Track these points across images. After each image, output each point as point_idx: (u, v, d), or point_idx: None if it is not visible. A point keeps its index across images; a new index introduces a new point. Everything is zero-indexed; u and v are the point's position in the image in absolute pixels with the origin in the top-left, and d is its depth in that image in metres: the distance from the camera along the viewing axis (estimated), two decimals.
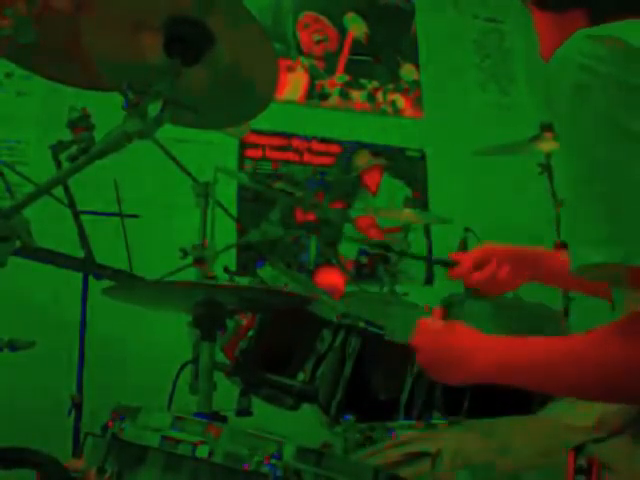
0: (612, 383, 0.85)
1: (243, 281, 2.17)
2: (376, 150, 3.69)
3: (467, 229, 2.78)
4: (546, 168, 2.72)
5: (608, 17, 0.94)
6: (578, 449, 0.87)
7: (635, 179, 0.81)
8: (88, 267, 2.22)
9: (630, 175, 0.82)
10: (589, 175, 0.85)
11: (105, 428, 0.98)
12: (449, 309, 1.89)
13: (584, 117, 0.86)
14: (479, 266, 1.47)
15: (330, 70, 3.73)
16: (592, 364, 0.88)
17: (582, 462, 0.86)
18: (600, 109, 0.85)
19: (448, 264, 1.50)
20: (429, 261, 3.63)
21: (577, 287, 1.52)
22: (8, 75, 3.10)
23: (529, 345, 0.99)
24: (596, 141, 0.85)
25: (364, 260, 3.52)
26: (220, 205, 2.09)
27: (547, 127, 2.62)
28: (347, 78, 3.75)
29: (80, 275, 2.34)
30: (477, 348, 1.05)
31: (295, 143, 3.55)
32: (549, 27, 1.13)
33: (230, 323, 1.79)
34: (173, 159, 2.09)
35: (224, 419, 1.56)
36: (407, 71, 3.88)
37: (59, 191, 2.12)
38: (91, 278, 2.30)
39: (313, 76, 3.69)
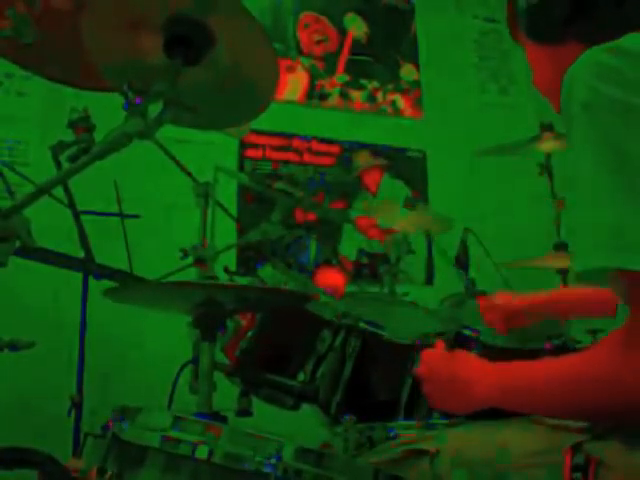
0: (611, 400, 0.86)
1: (243, 281, 2.17)
2: (376, 150, 3.69)
3: (467, 229, 2.78)
4: (546, 168, 2.71)
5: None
6: (575, 447, 0.87)
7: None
8: (88, 267, 2.22)
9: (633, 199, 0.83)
10: (592, 196, 0.87)
11: (105, 428, 0.98)
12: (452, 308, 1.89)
13: (588, 139, 0.88)
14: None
15: (330, 70, 3.73)
16: (590, 382, 0.88)
17: (579, 460, 0.86)
18: (603, 132, 0.86)
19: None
20: (429, 261, 3.62)
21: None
22: (8, 75, 3.10)
23: (529, 369, 1.01)
24: (598, 165, 0.86)
25: (364, 260, 3.52)
26: (220, 205, 2.09)
27: (547, 127, 2.62)
28: (347, 78, 3.75)
29: (80, 275, 2.34)
30: (479, 378, 1.07)
31: (295, 143, 3.55)
32: (544, 60, 1.14)
33: (230, 323, 1.79)
34: (173, 159, 2.09)
35: (224, 419, 1.56)
36: (407, 71, 3.88)
37: (59, 191, 2.12)
38: (91, 278, 2.30)
39: (313, 76, 3.69)
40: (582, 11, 1.06)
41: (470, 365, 1.11)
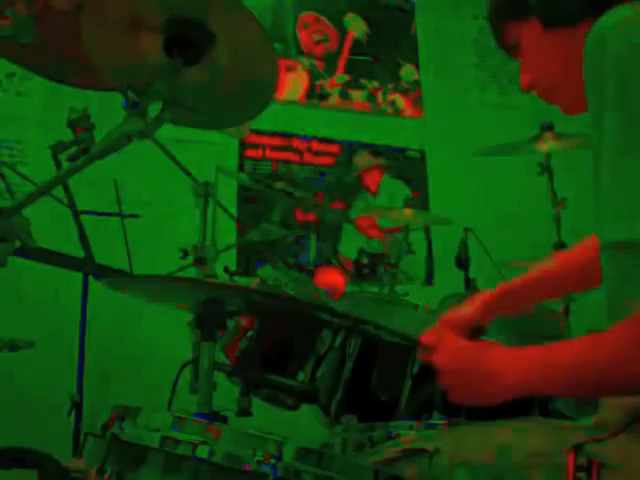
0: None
1: (243, 281, 2.17)
2: (376, 150, 3.69)
3: (467, 229, 2.78)
4: (546, 168, 2.71)
5: None
6: (578, 449, 0.87)
7: None
8: (88, 267, 2.22)
9: None
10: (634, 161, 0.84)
11: (105, 428, 0.98)
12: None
13: (626, 96, 0.84)
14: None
15: (330, 70, 3.73)
16: (622, 358, 0.85)
17: (582, 461, 0.86)
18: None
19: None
20: (429, 261, 3.62)
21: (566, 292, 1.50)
22: (8, 75, 3.10)
23: (560, 347, 0.96)
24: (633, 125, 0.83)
25: (364, 260, 3.52)
26: (220, 205, 2.09)
27: (547, 127, 2.61)
28: (347, 78, 3.75)
29: (80, 275, 2.34)
30: (506, 362, 1.00)
31: (295, 143, 3.55)
32: (552, 50, 1.07)
33: (230, 323, 1.79)
34: (173, 159, 2.09)
35: (224, 419, 1.56)
36: (407, 71, 3.88)
37: (59, 191, 2.13)
38: (91, 278, 2.30)
39: (313, 76, 3.69)
40: None
41: (494, 351, 1.03)
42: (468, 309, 1.31)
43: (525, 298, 1.38)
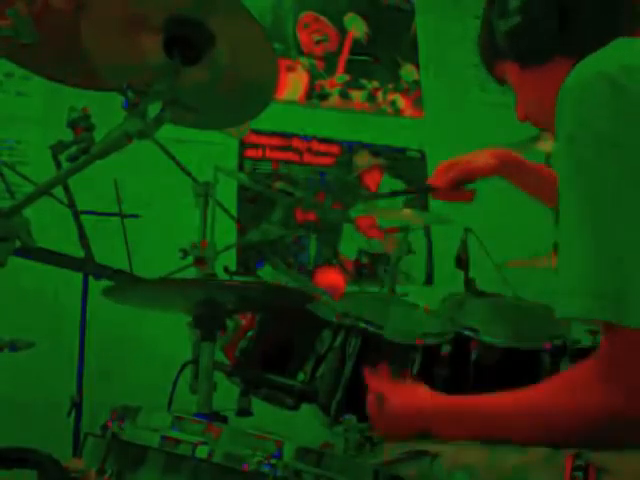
0: (584, 428, 0.87)
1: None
2: (376, 150, 3.69)
3: (467, 229, 2.78)
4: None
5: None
6: (576, 455, 0.87)
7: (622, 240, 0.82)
8: (88, 267, 2.22)
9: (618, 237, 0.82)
10: (577, 236, 0.85)
11: (105, 428, 0.98)
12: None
13: (571, 175, 0.86)
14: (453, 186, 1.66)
15: (330, 70, 3.73)
16: (564, 410, 0.89)
17: (579, 465, 0.86)
18: (585, 168, 0.84)
19: (428, 189, 1.65)
20: (429, 261, 3.62)
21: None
22: (8, 75, 3.10)
23: (494, 397, 1.00)
24: (581, 203, 0.84)
25: (364, 260, 3.52)
26: (220, 205, 2.09)
27: None
28: (347, 78, 3.75)
29: (80, 275, 2.34)
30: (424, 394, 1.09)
31: (295, 143, 3.55)
32: (530, 84, 1.11)
33: (230, 323, 1.79)
34: (173, 159, 2.09)
35: (224, 419, 1.56)
36: (407, 71, 3.88)
37: (59, 191, 2.12)
38: (91, 278, 2.30)
39: (313, 76, 3.69)
40: (568, 23, 1.02)
41: (421, 395, 1.12)
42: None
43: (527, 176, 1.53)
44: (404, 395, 1.13)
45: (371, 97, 3.77)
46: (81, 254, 2.22)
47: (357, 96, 3.75)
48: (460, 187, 1.55)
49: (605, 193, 0.82)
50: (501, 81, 1.20)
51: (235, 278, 2.04)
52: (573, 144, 0.86)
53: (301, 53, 3.70)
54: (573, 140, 0.86)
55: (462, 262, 2.74)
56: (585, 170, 0.84)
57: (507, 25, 1.09)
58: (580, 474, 0.85)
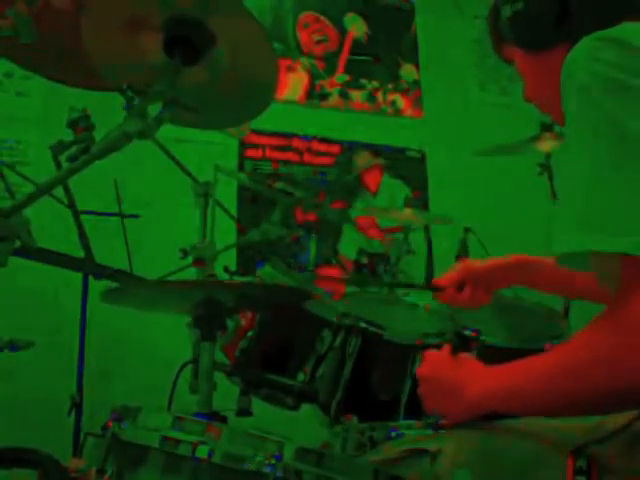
0: (611, 383, 0.84)
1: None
2: (376, 150, 3.69)
3: (467, 229, 2.78)
4: (546, 168, 2.71)
5: None
6: (578, 450, 0.87)
7: (632, 177, 0.82)
8: (88, 267, 2.22)
9: (628, 174, 0.82)
10: (590, 172, 0.86)
11: (105, 428, 0.98)
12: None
13: (588, 117, 0.87)
14: (460, 287, 1.54)
15: (330, 70, 3.73)
16: (588, 367, 0.86)
17: (582, 463, 0.86)
18: (603, 110, 0.86)
19: (433, 289, 1.57)
20: (429, 261, 3.62)
21: (573, 292, 1.54)
22: (8, 75, 3.10)
23: (524, 366, 0.99)
24: (597, 140, 0.85)
25: (364, 260, 3.52)
26: (220, 205, 2.09)
27: (547, 127, 2.62)
28: (347, 78, 3.75)
29: (80, 275, 2.34)
30: (472, 378, 1.05)
31: (295, 143, 3.55)
32: (535, 69, 1.13)
33: (230, 323, 1.79)
34: (173, 159, 2.09)
35: (224, 419, 1.56)
36: (407, 71, 3.88)
37: (59, 191, 2.12)
38: (91, 278, 2.30)
39: (313, 76, 3.69)
40: (571, 9, 1.04)
41: (468, 367, 1.10)
42: (484, 263, 1.46)
43: (538, 277, 1.46)
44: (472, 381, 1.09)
45: (371, 97, 3.77)
46: (81, 254, 2.22)
47: (357, 96, 3.75)
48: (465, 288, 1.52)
49: (620, 132, 0.84)
50: (510, 63, 1.21)
51: (235, 278, 2.04)
52: (588, 93, 0.87)
53: (301, 53, 3.70)
54: (588, 90, 0.87)
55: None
56: (599, 111, 0.86)
57: (511, 11, 1.10)
58: (582, 478, 0.85)
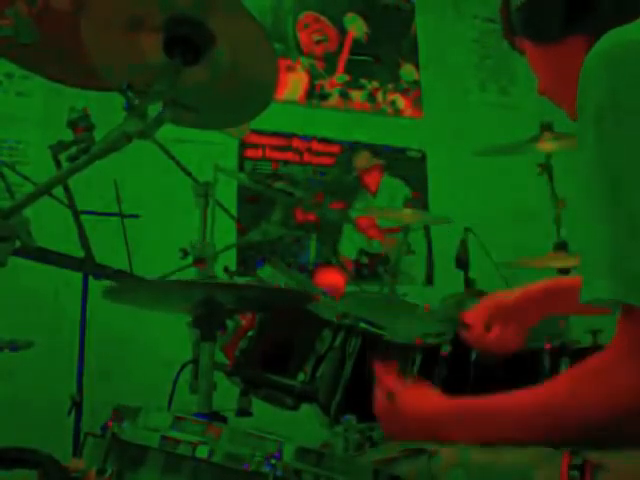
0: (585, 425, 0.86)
1: (243, 281, 2.16)
2: (376, 150, 3.69)
3: (467, 229, 2.78)
4: (546, 168, 2.71)
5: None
6: (573, 452, 0.87)
7: None
8: (88, 267, 2.22)
9: None
10: (610, 192, 0.82)
11: (105, 428, 0.97)
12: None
13: (599, 151, 0.83)
14: (488, 326, 1.43)
15: (330, 70, 3.73)
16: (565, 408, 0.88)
17: (576, 462, 0.86)
18: (621, 152, 0.82)
19: (460, 326, 1.46)
20: (429, 261, 3.62)
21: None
22: (8, 75, 3.10)
23: (495, 399, 0.99)
24: (616, 152, 0.82)
25: (364, 260, 3.52)
26: (220, 205, 2.09)
27: (547, 127, 2.61)
28: (347, 78, 3.75)
29: (80, 275, 2.34)
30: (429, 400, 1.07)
31: (295, 143, 3.55)
32: (546, 62, 1.10)
33: (230, 323, 1.79)
34: (173, 159, 2.09)
35: (224, 419, 1.56)
36: (407, 71, 3.88)
37: (59, 191, 2.12)
38: (91, 278, 2.30)
39: (313, 76, 3.69)
40: (583, 2, 1.00)
41: (433, 399, 1.10)
42: (513, 297, 1.36)
43: (572, 303, 1.40)
44: (416, 397, 1.12)
45: (371, 97, 3.77)
46: (81, 254, 2.22)
47: (357, 96, 3.75)
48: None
49: (633, 172, 0.80)
50: (523, 54, 1.18)
51: (235, 278, 2.04)
52: (601, 122, 0.83)
53: (301, 53, 3.70)
54: (601, 118, 0.83)
55: (462, 262, 2.74)
56: (611, 146, 0.82)
57: (519, 1, 1.07)
58: (576, 473, 0.85)
